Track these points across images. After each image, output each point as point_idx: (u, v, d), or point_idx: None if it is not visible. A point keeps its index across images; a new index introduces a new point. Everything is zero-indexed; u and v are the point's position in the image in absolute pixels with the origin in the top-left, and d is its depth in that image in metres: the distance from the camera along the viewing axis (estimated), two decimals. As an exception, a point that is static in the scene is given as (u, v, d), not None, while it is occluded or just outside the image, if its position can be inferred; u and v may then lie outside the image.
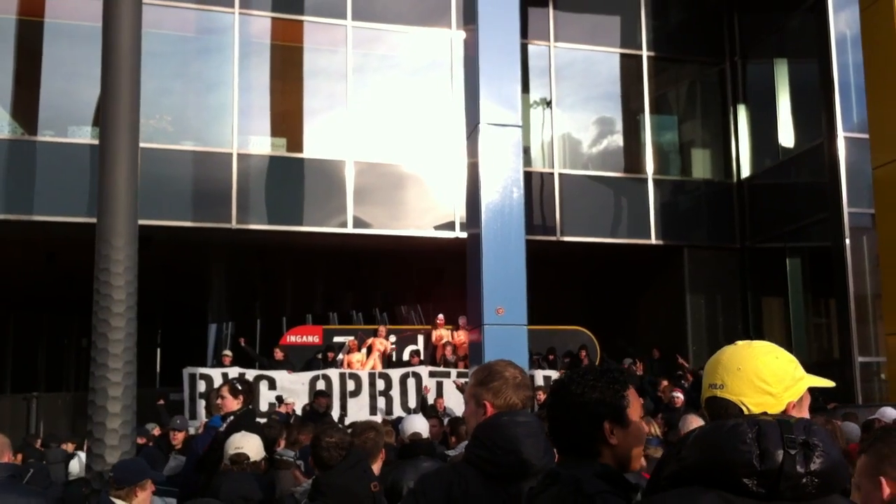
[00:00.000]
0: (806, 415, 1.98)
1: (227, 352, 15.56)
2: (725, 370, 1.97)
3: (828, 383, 2.08)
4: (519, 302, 11.70)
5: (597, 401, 2.26)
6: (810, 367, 2.04)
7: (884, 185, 13.13)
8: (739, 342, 2.02)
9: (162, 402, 14.27)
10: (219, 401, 6.82)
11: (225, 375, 14.17)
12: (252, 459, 4.94)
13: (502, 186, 11.99)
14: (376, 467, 5.17)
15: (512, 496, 2.76)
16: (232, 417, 6.69)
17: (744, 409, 1.92)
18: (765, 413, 1.91)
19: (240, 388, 6.81)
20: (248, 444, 4.93)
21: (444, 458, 6.39)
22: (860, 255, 14.79)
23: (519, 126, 12.23)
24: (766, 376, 1.93)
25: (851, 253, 14.66)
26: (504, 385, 2.97)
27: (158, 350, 27.25)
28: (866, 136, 14.15)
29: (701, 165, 18.58)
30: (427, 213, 15.99)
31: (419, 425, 6.45)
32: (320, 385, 14.57)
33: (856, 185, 14.71)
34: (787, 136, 17.21)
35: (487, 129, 12.02)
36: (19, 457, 9.42)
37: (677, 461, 1.89)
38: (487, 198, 11.95)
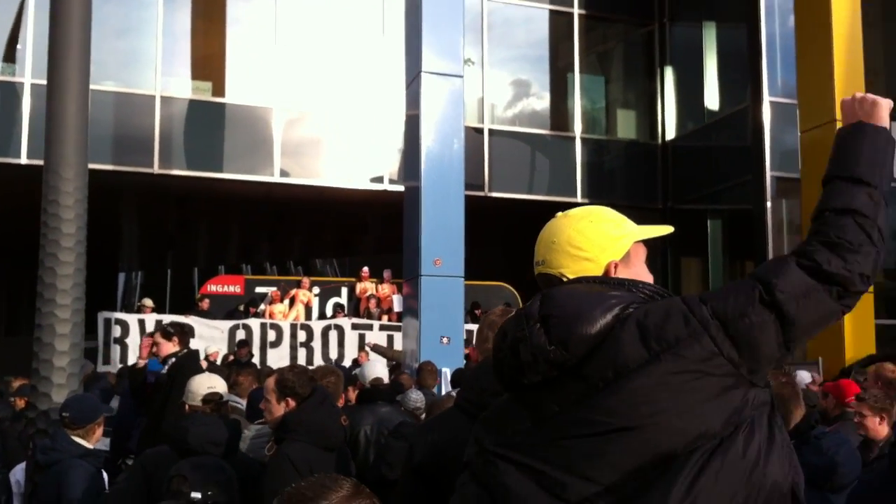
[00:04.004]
0: (638, 270, 1.94)
1: (148, 301, 15.13)
2: (544, 245, 1.95)
3: (660, 231, 2.03)
4: (457, 254, 11.63)
5: None
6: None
7: (810, 149, 13.42)
8: (559, 213, 1.97)
9: None
10: (154, 347, 6.67)
11: (141, 322, 13.90)
12: (224, 400, 4.75)
13: (443, 137, 11.84)
14: (335, 412, 5.07)
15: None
16: (174, 359, 6.52)
17: (564, 279, 1.89)
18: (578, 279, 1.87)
19: (171, 331, 6.68)
20: (220, 384, 4.73)
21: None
22: (779, 218, 15.14)
23: (461, 76, 12.07)
24: (580, 242, 1.90)
25: (772, 216, 14.99)
26: (489, 330, 2.90)
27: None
28: (791, 101, 14.44)
29: (627, 126, 18.74)
30: (355, 164, 15.78)
31: (380, 370, 6.38)
32: (240, 335, 14.34)
33: (778, 150, 15.01)
34: (712, 99, 17.47)
35: (429, 79, 11.82)
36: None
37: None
38: (428, 149, 11.79)
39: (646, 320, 1.70)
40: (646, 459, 1.62)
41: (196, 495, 3.14)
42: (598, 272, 1.89)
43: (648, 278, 1.96)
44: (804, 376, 9.44)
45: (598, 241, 1.90)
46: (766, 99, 15.08)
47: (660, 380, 1.64)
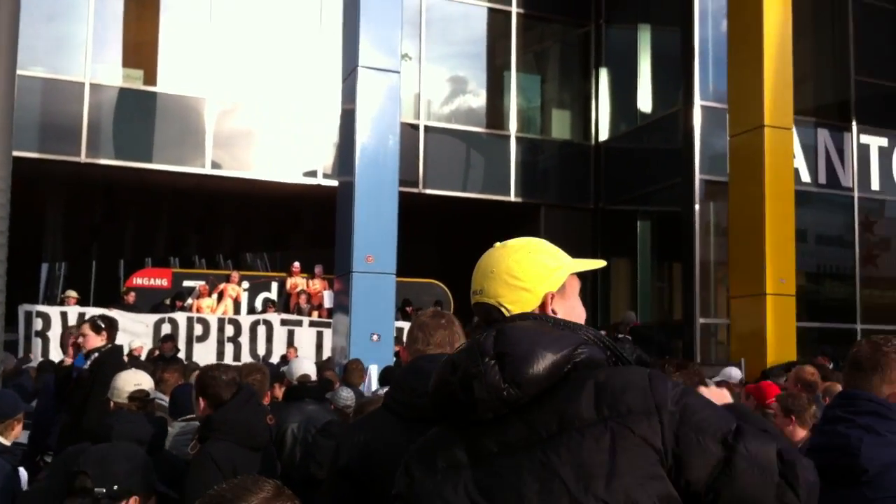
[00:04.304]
0: (573, 302, 1.97)
1: (72, 293, 14.77)
2: (482, 275, 1.95)
3: (594, 264, 2.06)
4: (389, 251, 11.57)
5: None
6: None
7: (738, 153, 13.69)
8: (497, 244, 1.99)
9: None
10: (80, 339, 6.47)
11: (64, 314, 13.57)
12: (150, 397, 4.64)
13: (378, 133, 11.74)
14: (262, 410, 5.00)
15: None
16: (97, 354, 6.35)
17: (502, 308, 1.91)
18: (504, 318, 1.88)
19: (101, 325, 6.49)
20: (147, 381, 4.62)
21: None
22: (707, 221, 15.39)
23: (398, 72, 11.99)
24: (518, 273, 1.91)
25: (700, 218, 15.22)
26: (419, 331, 2.94)
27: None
28: (721, 105, 14.70)
29: (561, 126, 18.88)
30: (289, 157, 15.62)
31: (308, 367, 6.29)
32: (166, 329, 14.07)
33: (708, 153, 15.24)
34: (645, 101, 17.68)
35: (366, 74, 11.72)
36: None
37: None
38: (363, 145, 11.69)
39: (605, 384, 1.71)
40: None
41: (100, 490, 3.04)
42: (536, 302, 1.91)
43: (581, 311, 2.00)
44: (735, 373, 9.62)
45: (536, 272, 1.92)
46: (698, 103, 15.29)
47: (601, 447, 1.64)
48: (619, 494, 1.61)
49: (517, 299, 1.91)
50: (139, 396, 4.49)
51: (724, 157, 14.42)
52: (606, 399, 1.68)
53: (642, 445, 1.63)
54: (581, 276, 2.03)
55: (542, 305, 1.91)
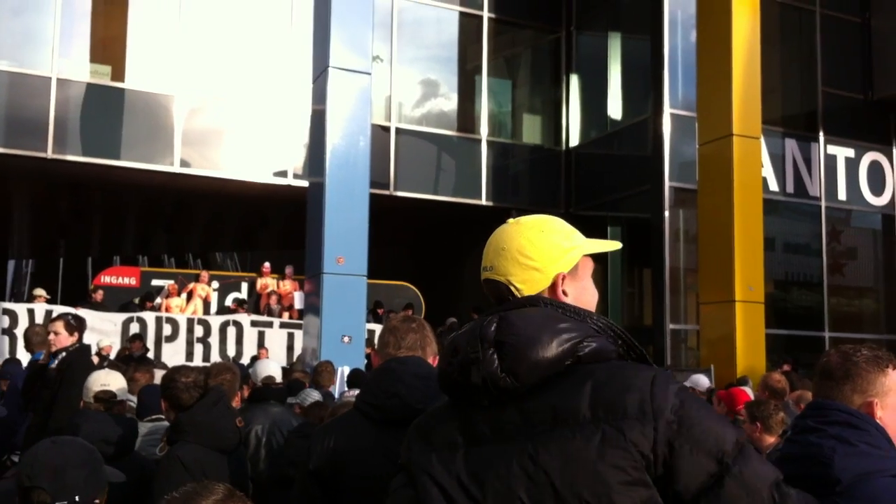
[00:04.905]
0: (585, 283, 1.95)
1: (41, 291, 14.60)
2: (494, 251, 1.93)
3: (609, 246, 2.06)
4: (360, 252, 11.53)
5: None
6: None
7: (707, 161, 13.80)
8: (510, 220, 1.97)
9: None
10: (51, 336, 6.41)
11: (31, 311, 13.42)
12: (119, 398, 4.60)
13: (349, 134, 11.71)
14: (230, 411, 4.97)
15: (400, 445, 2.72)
16: (64, 354, 6.30)
17: (512, 287, 1.88)
18: (510, 300, 1.87)
19: (75, 324, 6.44)
20: (115, 382, 4.58)
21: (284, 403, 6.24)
22: (676, 227, 15.51)
23: (369, 73, 11.96)
24: (529, 252, 1.87)
25: (669, 225, 15.34)
26: (390, 335, 2.96)
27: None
28: (691, 113, 14.82)
29: (532, 130, 18.94)
30: (259, 157, 15.54)
31: (273, 369, 6.26)
32: (134, 328, 13.94)
33: (677, 161, 15.37)
34: (615, 108, 17.79)
35: (336, 74, 11.68)
36: None
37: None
38: (333, 146, 11.65)
39: (605, 383, 1.69)
40: None
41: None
42: (546, 283, 1.88)
43: (594, 293, 1.97)
44: (703, 381, 9.69)
45: (548, 251, 1.89)
46: (667, 111, 15.43)
47: (590, 447, 1.63)
48: (603, 498, 1.61)
49: (528, 279, 1.87)
50: (104, 397, 4.46)
51: (693, 164, 14.54)
52: (604, 399, 1.66)
53: (631, 450, 1.62)
54: None
55: (553, 286, 1.88)
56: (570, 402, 1.68)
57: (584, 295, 1.92)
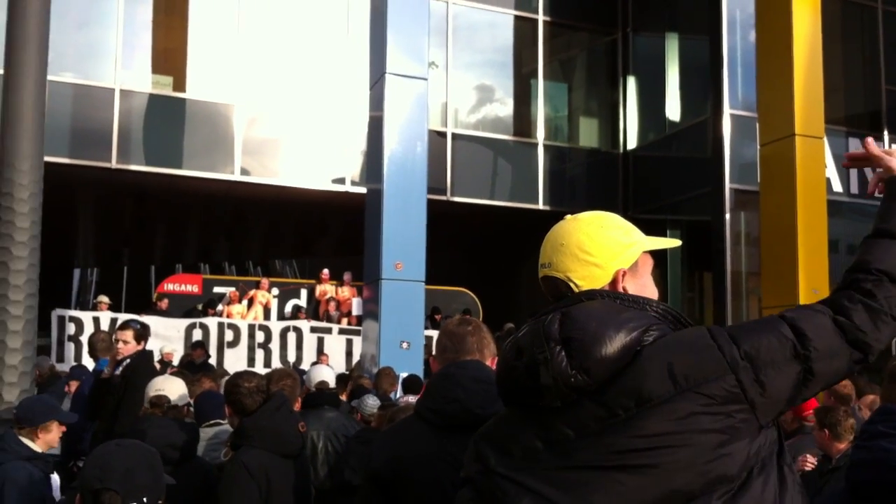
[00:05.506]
0: (645, 280, 1.92)
1: (104, 298, 14.90)
2: (552, 247, 1.91)
3: (669, 243, 2.04)
4: (418, 258, 11.55)
5: None
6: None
7: (769, 162, 13.55)
8: (568, 216, 1.95)
9: None
10: (119, 345, 6.51)
11: (96, 320, 13.70)
12: (173, 403, 4.66)
13: (406, 140, 11.74)
14: (292, 416, 5.01)
15: (462, 450, 2.70)
16: (128, 360, 6.40)
17: (571, 284, 1.85)
18: (573, 294, 1.85)
19: (142, 332, 6.54)
20: (170, 388, 4.65)
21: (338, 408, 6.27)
22: (738, 230, 15.29)
23: (425, 79, 12.00)
24: (589, 248, 1.85)
25: (730, 228, 15.12)
26: (447, 340, 2.92)
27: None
28: (751, 114, 14.58)
29: (589, 134, 18.83)
30: (317, 164, 15.67)
31: (326, 374, 6.30)
32: (197, 334, 14.17)
33: (738, 162, 15.16)
34: (673, 110, 17.60)
35: (393, 81, 11.73)
36: None
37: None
38: (391, 152, 11.70)
39: (674, 354, 1.68)
40: (663, 498, 1.61)
41: None
42: (606, 279, 1.86)
43: (654, 290, 1.94)
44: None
45: (608, 247, 1.87)
46: (727, 111, 15.21)
47: (682, 417, 1.61)
48: (710, 461, 1.60)
49: (587, 275, 1.85)
50: (158, 402, 4.51)
51: (753, 165, 14.30)
52: (678, 369, 1.65)
53: (722, 408, 1.62)
54: None
55: (613, 282, 1.86)
56: (648, 382, 1.66)
57: (643, 292, 1.89)
